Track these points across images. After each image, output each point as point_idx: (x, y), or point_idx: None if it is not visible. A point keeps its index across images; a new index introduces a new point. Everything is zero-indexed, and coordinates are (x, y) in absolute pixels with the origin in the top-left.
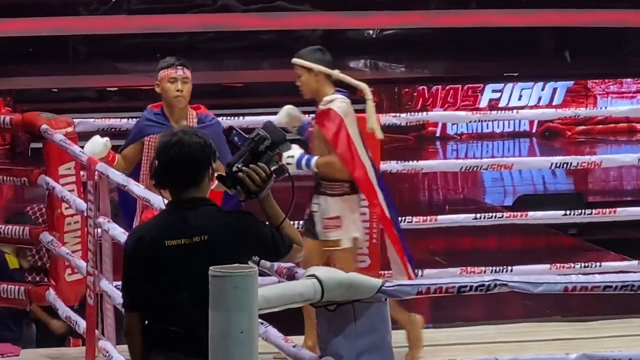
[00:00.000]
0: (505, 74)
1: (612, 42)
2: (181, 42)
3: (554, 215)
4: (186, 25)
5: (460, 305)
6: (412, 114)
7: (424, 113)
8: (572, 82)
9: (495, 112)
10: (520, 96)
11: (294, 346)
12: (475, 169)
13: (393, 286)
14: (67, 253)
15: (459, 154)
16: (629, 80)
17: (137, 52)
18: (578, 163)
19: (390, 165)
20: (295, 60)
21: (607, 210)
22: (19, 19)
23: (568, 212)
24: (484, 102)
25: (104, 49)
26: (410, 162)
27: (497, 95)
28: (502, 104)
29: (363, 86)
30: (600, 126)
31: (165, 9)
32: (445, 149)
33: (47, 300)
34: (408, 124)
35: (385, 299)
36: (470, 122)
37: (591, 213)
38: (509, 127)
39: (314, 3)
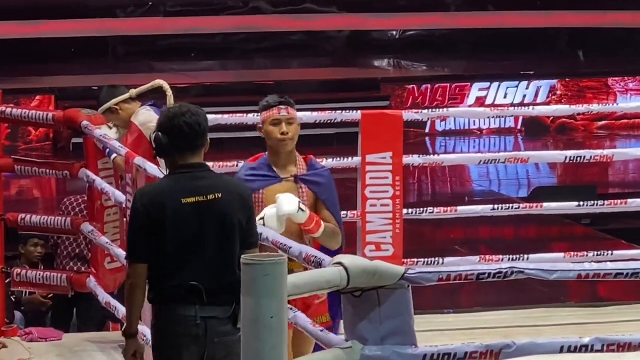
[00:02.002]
0: (521, 72)
1: (626, 41)
2: (215, 43)
3: (568, 206)
4: (219, 27)
5: (479, 291)
6: (433, 110)
7: (445, 109)
8: (556, 80)
9: (512, 108)
10: (506, 94)
11: (321, 330)
12: (493, 162)
13: (415, 273)
14: (107, 242)
15: (447, 149)
16: None
17: (173, 52)
18: (591, 157)
19: (412, 159)
20: (98, 112)
21: (619, 201)
22: (61, 20)
23: (581, 203)
24: (470, 100)
25: (141, 49)
26: (431, 155)
27: (484, 93)
28: (488, 101)
29: (160, 83)
30: (619, 122)
31: (199, 11)
32: (434, 144)
33: (88, 286)
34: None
35: (408, 286)
36: (488, 117)
37: (603, 204)
38: (494, 124)
39: (340, 5)
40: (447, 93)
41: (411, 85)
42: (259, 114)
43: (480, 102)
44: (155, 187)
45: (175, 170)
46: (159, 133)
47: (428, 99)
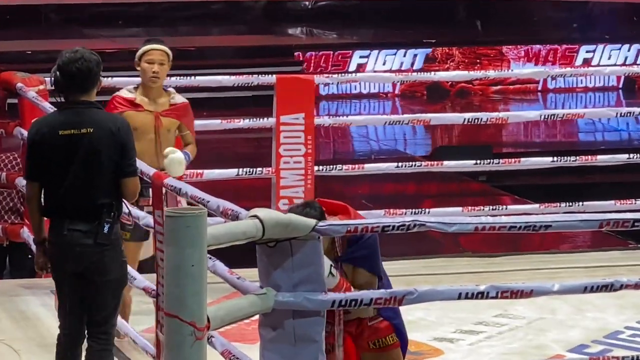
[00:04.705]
0: (424, 40)
1: (520, 13)
2: (140, 11)
3: (466, 164)
4: None
5: (384, 242)
6: (342, 75)
7: (354, 74)
8: (430, 49)
9: (416, 74)
10: (385, 61)
11: (238, 278)
12: (397, 123)
13: (325, 226)
14: None
15: (329, 112)
16: (538, 46)
17: (102, 19)
18: (487, 119)
19: (323, 120)
20: (165, 48)
21: (513, 160)
22: None
23: (478, 161)
24: (352, 67)
25: (72, 17)
26: (341, 117)
27: (364, 60)
28: (368, 68)
29: None
30: (513, 86)
31: None
32: (318, 107)
33: (22, 237)
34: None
35: (319, 237)
36: (393, 82)
37: (498, 162)
38: (374, 89)
39: None
40: (331, 60)
41: (297, 52)
42: None
43: (361, 68)
44: (44, 119)
45: (65, 105)
46: (57, 73)
47: (313, 65)
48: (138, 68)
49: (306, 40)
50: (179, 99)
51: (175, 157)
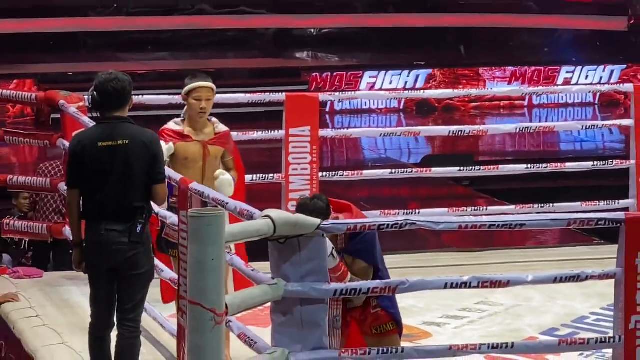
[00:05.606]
0: (414, 63)
1: (500, 38)
2: (167, 38)
3: (451, 171)
4: (171, 25)
5: (380, 239)
6: (344, 92)
7: (353, 92)
8: (431, 70)
9: (408, 92)
10: (391, 81)
11: (252, 270)
12: (391, 135)
13: (329, 224)
14: None
15: (343, 125)
16: (510, 67)
17: (133, 45)
18: (470, 131)
19: (326, 132)
20: (211, 84)
21: (492, 166)
22: (43, 19)
23: (462, 168)
24: (363, 85)
25: (107, 42)
26: (342, 129)
27: (374, 80)
28: (377, 86)
29: None
30: (488, 103)
31: (155, 12)
32: (333, 120)
33: (64, 235)
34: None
35: (323, 235)
36: (389, 99)
37: (480, 169)
38: (382, 105)
39: (269, 8)
40: (344, 80)
41: (315, 73)
42: None
43: (370, 87)
44: (84, 133)
45: (102, 120)
46: (95, 92)
47: (329, 84)
48: (185, 102)
49: (311, 62)
50: (222, 127)
51: (225, 178)
